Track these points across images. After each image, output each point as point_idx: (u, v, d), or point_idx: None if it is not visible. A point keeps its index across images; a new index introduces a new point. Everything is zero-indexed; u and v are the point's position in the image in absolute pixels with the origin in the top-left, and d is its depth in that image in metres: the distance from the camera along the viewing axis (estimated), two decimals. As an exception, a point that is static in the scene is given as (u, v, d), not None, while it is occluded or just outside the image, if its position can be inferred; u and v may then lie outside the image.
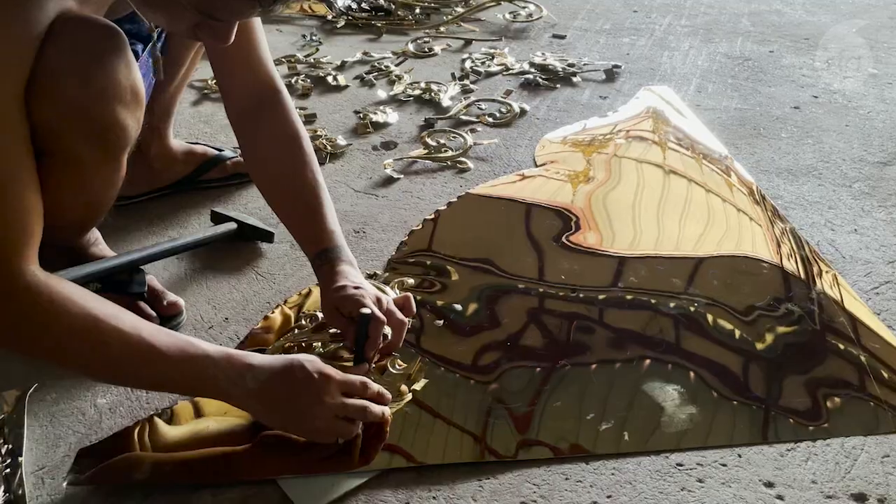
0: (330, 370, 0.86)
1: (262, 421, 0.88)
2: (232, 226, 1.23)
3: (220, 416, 0.92)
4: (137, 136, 0.91)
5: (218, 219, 1.28)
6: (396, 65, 2.03)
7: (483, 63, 2.03)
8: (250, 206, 1.37)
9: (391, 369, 0.98)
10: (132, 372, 0.81)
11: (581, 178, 1.46)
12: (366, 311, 0.92)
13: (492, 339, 1.06)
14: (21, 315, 0.75)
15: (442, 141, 1.61)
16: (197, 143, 1.42)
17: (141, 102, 0.89)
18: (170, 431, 0.90)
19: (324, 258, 0.99)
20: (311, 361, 0.85)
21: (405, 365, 0.99)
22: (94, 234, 1.11)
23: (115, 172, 0.94)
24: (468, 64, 2.01)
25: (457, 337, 1.06)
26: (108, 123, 0.85)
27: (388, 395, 0.91)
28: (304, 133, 1.06)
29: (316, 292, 1.11)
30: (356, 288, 0.95)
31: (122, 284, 1.06)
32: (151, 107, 1.23)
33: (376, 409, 0.87)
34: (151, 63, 1.02)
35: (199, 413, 0.93)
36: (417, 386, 0.97)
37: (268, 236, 1.25)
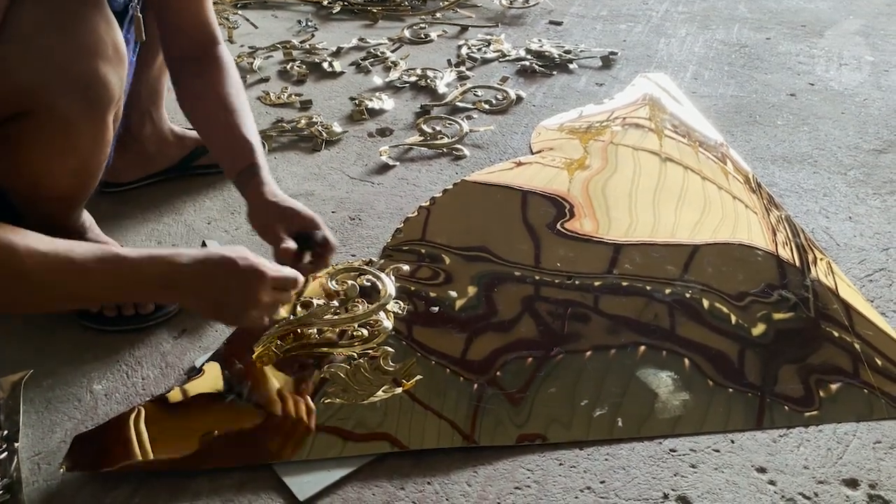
0: (262, 265, 0.87)
1: (196, 311, 0.94)
2: None
3: (215, 403, 0.92)
4: (121, 95, 0.91)
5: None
6: (392, 51, 2.02)
7: (479, 49, 2.02)
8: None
9: (384, 367, 0.98)
10: (59, 294, 0.80)
11: (577, 165, 1.46)
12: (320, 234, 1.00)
13: (487, 327, 1.06)
14: None
15: (438, 128, 1.60)
16: (190, 129, 1.42)
17: (123, 60, 0.89)
18: (166, 417, 0.90)
19: (251, 173, 1.03)
20: (243, 258, 0.86)
21: (398, 365, 0.98)
22: (89, 220, 1.11)
23: (102, 133, 0.92)
24: (464, 50, 2.01)
25: (451, 325, 1.06)
26: (91, 79, 0.85)
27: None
28: (235, 71, 1.13)
29: (312, 283, 1.11)
30: (289, 208, 1.00)
31: None
32: (139, 89, 1.23)
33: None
34: (133, 31, 1.01)
35: (193, 398, 0.93)
36: (409, 383, 0.96)
37: None
